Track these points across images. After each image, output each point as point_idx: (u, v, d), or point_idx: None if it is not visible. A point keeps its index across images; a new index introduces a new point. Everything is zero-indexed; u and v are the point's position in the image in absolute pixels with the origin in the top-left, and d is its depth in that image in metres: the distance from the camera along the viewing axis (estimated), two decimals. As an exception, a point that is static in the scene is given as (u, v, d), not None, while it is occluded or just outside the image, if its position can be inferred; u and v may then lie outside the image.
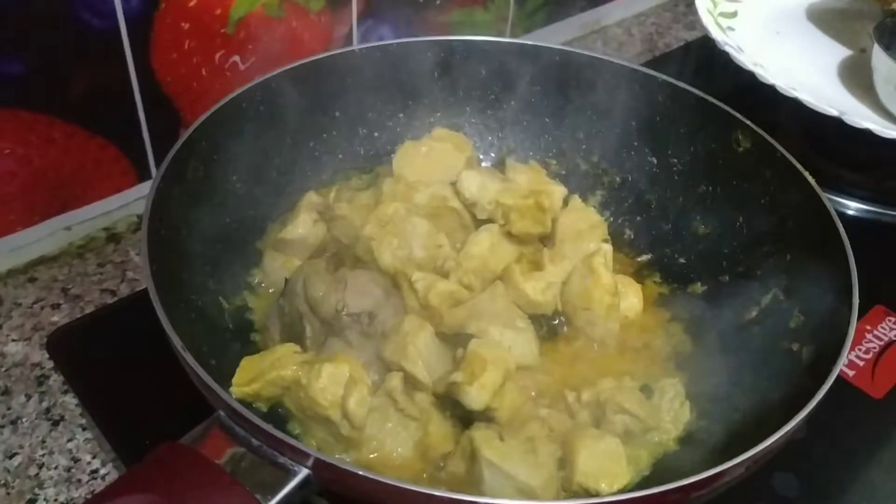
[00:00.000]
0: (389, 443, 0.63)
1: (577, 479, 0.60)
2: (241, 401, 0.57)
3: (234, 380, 0.62)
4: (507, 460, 0.59)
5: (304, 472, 0.49)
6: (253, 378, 0.62)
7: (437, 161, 0.81)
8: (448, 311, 0.70)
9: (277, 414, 0.64)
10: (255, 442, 0.50)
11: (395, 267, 0.72)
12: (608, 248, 0.78)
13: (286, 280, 0.71)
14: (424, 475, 0.63)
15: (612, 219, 0.86)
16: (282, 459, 0.49)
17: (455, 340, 0.68)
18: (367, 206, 0.76)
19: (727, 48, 0.96)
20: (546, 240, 0.80)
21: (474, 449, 0.60)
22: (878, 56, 0.94)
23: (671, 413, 0.67)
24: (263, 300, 0.74)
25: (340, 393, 0.60)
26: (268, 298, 0.74)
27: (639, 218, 0.85)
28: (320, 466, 0.49)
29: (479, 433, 0.61)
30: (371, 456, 0.63)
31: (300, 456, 0.49)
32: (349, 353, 0.65)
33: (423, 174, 0.80)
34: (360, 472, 0.47)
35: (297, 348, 0.65)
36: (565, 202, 0.83)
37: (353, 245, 0.74)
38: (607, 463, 0.60)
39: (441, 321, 0.69)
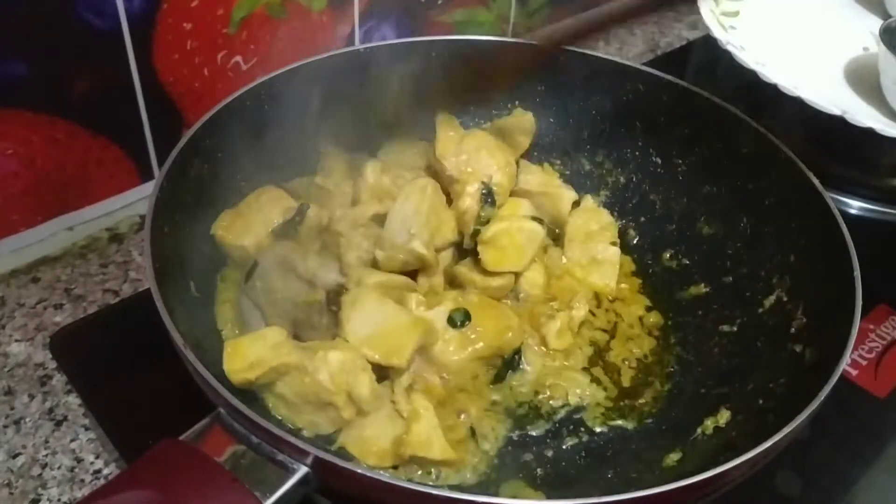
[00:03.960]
0: (371, 432, 0.63)
1: None
2: (239, 386, 0.59)
3: (230, 367, 0.61)
4: None
5: (303, 470, 0.49)
6: (251, 365, 0.61)
7: (477, 158, 0.79)
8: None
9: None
10: (254, 439, 0.50)
11: (355, 269, 0.72)
12: (615, 251, 0.80)
13: (256, 263, 0.70)
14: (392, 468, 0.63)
15: (616, 219, 0.85)
16: (281, 457, 0.50)
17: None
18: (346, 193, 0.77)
19: (729, 47, 0.96)
20: (556, 240, 0.82)
21: None
22: (886, 58, 0.94)
23: None
24: (235, 239, 0.74)
25: (347, 379, 0.61)
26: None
27: (643, 218, 0.85)
28: (319, 464, 0.49)
29: None
30: (351, 438, 0.63)
31: (299, 454, 0.49)
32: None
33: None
34: (359, 471, 0.47)
35: (285, 332, 0.64)
36: (578, 202, 0.84)
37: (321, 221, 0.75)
38: None
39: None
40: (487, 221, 0.75)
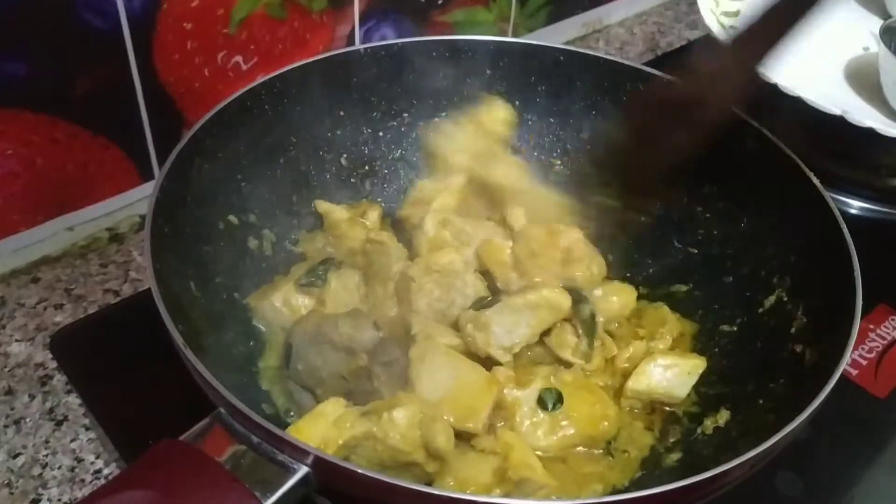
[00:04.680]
0: (465, 474, 0.60)
1: None
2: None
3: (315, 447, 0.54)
4: None
5: (303, 470, 0.49)
6: (317, 448, 0.55)
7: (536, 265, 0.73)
8: None
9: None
10: (255, 439, 0.50)
11: (425, 321, 0.69)
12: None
13: (290, 346, 0.67)
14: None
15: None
16: (281, 457, 0.49)
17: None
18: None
19: (730, 47, 0.96)
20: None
21: None
22: (886, 58, 0.94)
23: None
24: (265, 299, 0.74)
25: (419, 434, 0.59)
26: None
27: (643, 218, 0.85)
28: (320, 464, 0.49)
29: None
30: (451, 483, 0.60)
31: (300, 453, 0.49)
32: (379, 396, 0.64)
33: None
34: (359, 471, 0.47)
35: (343, 401, 0.61)
36: None
37: (379, 270, 0.73)
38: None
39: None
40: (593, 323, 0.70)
